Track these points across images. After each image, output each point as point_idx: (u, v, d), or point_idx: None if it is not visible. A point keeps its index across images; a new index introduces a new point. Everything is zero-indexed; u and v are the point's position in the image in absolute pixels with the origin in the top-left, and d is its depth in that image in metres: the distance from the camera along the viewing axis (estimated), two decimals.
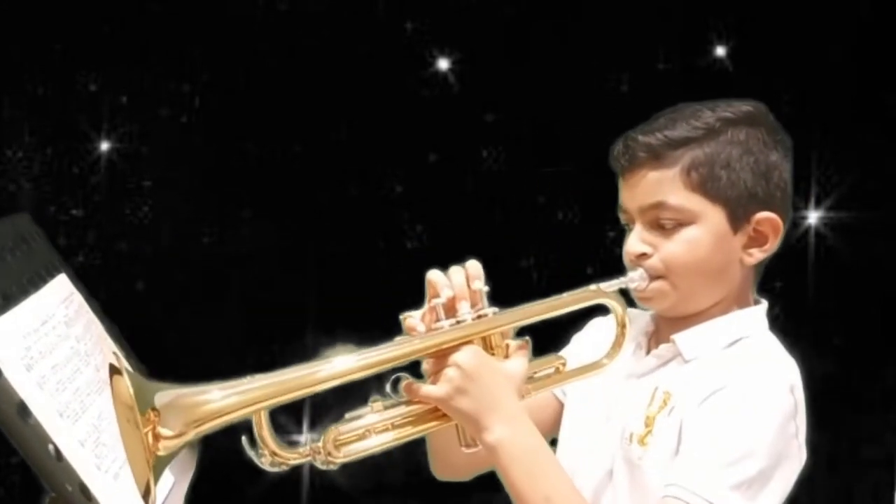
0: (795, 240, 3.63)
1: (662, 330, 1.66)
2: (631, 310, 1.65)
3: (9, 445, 1.20)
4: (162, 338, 3.48)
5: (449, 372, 1.48)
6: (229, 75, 3.66)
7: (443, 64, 3.69)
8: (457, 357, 1.48)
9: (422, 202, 3.71)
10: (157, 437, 1.28)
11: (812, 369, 3.65)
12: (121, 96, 3.64)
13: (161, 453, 1.27)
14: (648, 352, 1.66)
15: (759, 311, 1.65)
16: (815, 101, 3.57)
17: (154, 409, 1.29)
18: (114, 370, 1.31)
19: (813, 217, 3.62)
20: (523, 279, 3.53)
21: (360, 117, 3.65)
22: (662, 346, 1.64)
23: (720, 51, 3.63)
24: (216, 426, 1.36)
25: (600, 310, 1.67)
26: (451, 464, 1.74)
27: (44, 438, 1.20)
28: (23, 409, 1.18)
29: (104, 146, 3.63)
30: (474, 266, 1.54)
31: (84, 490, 1.22)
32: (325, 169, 3.69)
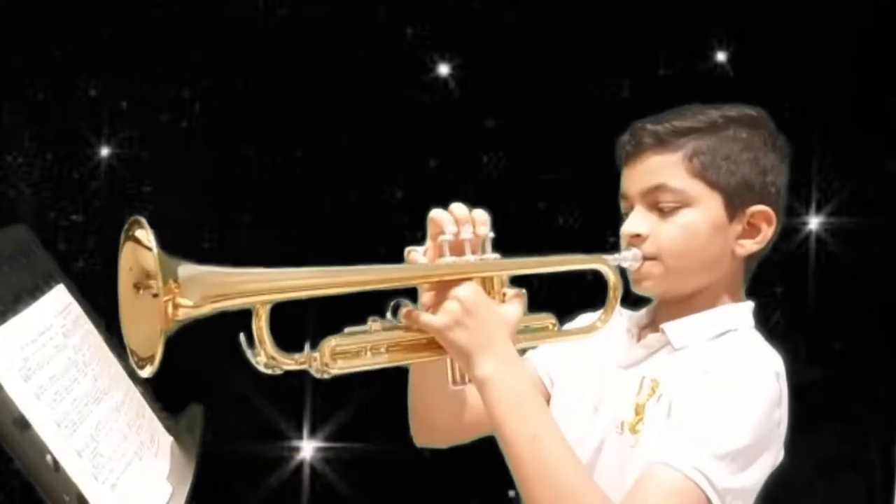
0: (796, 245, 3.63)
1: (655, 322, 1.70)
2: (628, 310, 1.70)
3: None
4: None
5: (449, 304, 1.51)
6: (229, 80, 3.66)
7: (443, 69, 3.69)
8: (457, 291, 1.51)
9: (422, 208, 3.70)
10: (175, 306, 1.33)
11: (812, 373, 3.64)
12: (121, 101, 3.63)
13: (179, 317, 1.32)
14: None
15: (747, 308, 1.69)
16: (815, 107, 3.57)
17: (176, 280, 1.34)
18: (136, 241, 1.38)
19: (813, 223, 3.61)
20: (524, 284, 3.52)
21: (361, 122, 3.65)
22: (651, 336, 1.67)
23: (721, 56, 3.63)
24: (231, 306, 1.42)
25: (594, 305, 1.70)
26: (431, 426, 1.77)
27: (42, 449, 1.20)
28: (20, 420, 1.18)
29: (104, 151, 3.63)
30: (481, 213, 1.58)
31: (82, 500, 1.22)
32: (325, 174, 3.69)
